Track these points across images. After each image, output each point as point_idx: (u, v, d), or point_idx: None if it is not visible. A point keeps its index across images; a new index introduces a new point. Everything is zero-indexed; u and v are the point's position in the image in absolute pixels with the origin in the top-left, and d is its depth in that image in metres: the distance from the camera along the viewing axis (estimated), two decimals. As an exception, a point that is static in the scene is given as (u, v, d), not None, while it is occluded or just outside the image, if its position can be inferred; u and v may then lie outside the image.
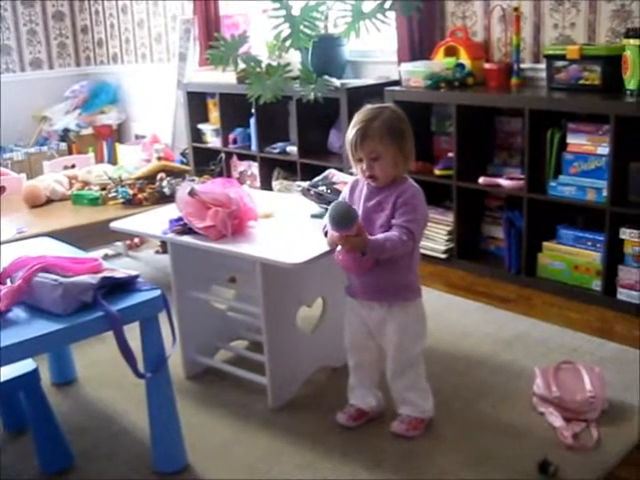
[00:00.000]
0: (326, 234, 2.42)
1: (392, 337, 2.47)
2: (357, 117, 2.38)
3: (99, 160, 6.32)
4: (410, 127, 2.41)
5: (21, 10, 6.94)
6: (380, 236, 2.31)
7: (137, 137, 6.76)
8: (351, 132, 2.36)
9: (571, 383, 2.66)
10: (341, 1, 4.23)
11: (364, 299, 2.49)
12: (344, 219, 2.24)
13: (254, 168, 5.26)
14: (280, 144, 5.06)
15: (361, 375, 2.61)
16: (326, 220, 2.31)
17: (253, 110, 5.01)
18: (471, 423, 2.59)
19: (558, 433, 2.46)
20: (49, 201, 3.99)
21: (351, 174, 2.64)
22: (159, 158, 4.38)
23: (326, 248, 2.48)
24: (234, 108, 5.30)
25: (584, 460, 2.33)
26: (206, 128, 5.64)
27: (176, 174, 4.07)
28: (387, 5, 4.10)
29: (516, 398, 2.73)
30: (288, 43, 4.26)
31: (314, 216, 2.90)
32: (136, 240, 4.72)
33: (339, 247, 2.33)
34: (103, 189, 3.97)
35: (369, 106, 2.42)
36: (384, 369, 2.57)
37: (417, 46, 4.39)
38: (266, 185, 5.13)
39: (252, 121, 5.14)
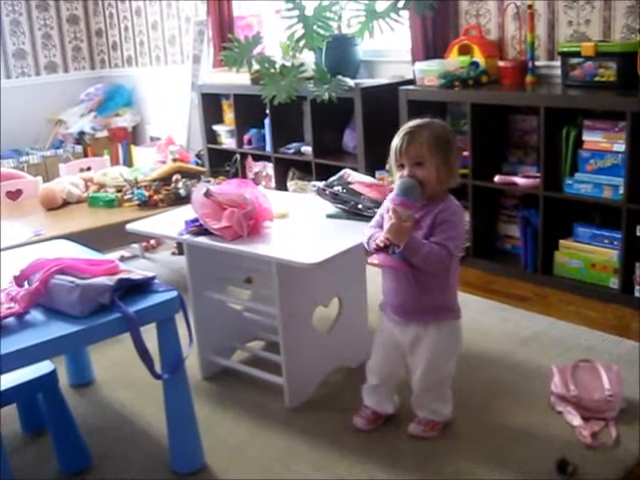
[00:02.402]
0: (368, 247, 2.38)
1: (424, 355, 2.43)
2: (404, 126, 2.34)
3: (114, 162, 6.34)
4: (457, 144, 2.39)
5: (36, 14, 6.99)
6: (422, 240, 2.26)
7: (152, 139, 6.78)
8: (397, 138, 2.31)
9: (589, 382, 2.65)
10: (354, 1, 4.22)
11: (399, 318, 2.43)
12: (412, 190, 2.22)
13: (269, 169, 5.27)
14: (295, 144, 5.06)
15: (380, 389, 2.58)
16: (395, 192, 2.26)
17: (267, 111, 5.02)
18: (488, 422, 2.58)
19: (576, 432, 2.45)
20: (65, 204, 4.01)
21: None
22: (174, 160, 4.39)
23: (342, 248, 2.49)
24: (248, 109, 5.30)
25: (603, 459, 2.32)
26: (221, 129, 5.65)
27: (191, 175, 4.09)
28: (401, 4, 4.09)
29: (533, 397, 2.71)
30: (302, 43, 4.26)
31: (330, 216, 2.90)
32: (152, 242, 4.73)
33: (378, 236, 2.30)
34: (119, 191, 3.99)
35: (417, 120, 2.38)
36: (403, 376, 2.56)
37: (431, 45, 4.38)
38: (281, 185, 5.14)
39: (267, 122, 5.15)
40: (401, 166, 2.31)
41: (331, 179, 3.02)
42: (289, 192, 4.85)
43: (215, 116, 5.69)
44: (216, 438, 2.57)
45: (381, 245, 2.27)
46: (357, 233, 2.51)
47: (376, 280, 2.53)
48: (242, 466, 2.44)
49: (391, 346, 2.50)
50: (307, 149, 4.91)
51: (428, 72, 4.17)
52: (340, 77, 4.43)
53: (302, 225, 2.86)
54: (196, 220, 2.75)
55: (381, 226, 2.39)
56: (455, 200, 2.37)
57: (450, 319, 2.44)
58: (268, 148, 5.22)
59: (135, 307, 2.15)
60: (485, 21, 4.27)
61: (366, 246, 2.40)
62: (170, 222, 2.97)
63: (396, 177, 2.34)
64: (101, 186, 4.12)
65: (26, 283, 2.24)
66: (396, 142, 2.31)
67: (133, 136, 7.13)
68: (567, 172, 3.63)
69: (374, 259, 2.31)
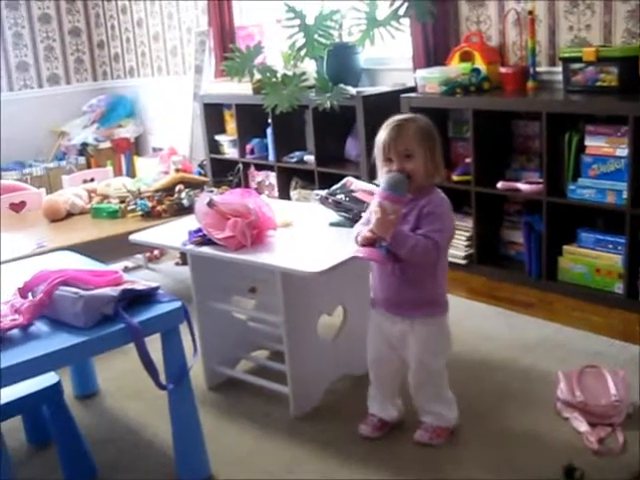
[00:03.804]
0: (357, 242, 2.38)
1: (413, 350, 2.44)
2: (389, 120, 2.35)
3: (117, 173, 6.35)
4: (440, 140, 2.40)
5: (38, 27, 7.01)
6: (408, 232, 2.27)
7: (155, 150, 6.80)
8: (384, 132, 2.32)
9: (595, 387, 2.64)
10: (355, 9, 4.23)
11: (387, 312, 2.45)
12: (400, 185, 2.23)
13: (272, 178, 5.27)
14: (297, 153, 5.06)
15: (382, 387, 2.59)
16: (382, 186, 2.25)
17: (270, 120, 5.02)
18: (494, 429, 2.57)
19: (583, 438, 2.44)
20: (69, 215, 4.01)
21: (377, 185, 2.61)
22: (177, 170, 4.40)
23: (346, 256, 2.48)
24: (251, 118, 5.31)
25: (610, 465, 2.31)
26: (223, 139, 5.66)
27: (194, 185, 4.09)
28: (401, 12, 4.10)
29: (540, 403, 2.70)
30: (303, 52, 4.27)
31: (333, 224, 2.90)
32: (156, 252, 4.73)
33: (364, 232, 2.30)
34: (122, 202, 3.99)
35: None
36: (405, 378, 2.56)
37: (432, 52, 4.38)
38: (284, 195, 5.14)
39: (269, 131, 5.15)
40: (388, 160, 2.32)
41: (334, 187, 3.02)
42: (292, 201, 4.85)
43: (217, 126, 5.70)
44: (222, 448, 2.56)
45: (367, 238, 2.29)
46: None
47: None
48: (248, 475, 2.43)
49: (381, 340, 2.51)
50: (310, 158, 4.91)
51: (430, 79, 4.17)
52: (342, 85, 4.44)
53: (305, 234, 2.86)
54: (199, 230, 2.76)
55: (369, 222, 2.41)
56: (441, 193, 2.39)
57: (438, 314, 2.45)
58: (271, 157, 5.23)
59: (139, 318, 2.15)
60: (486, 27, 4.28)
61: (355, 242, 2.41)
62: (173, 232, 2.97)
63: (382, 171, 2.34)
64: (104, 197, 4.13)
65: (30, 295, 2.24)
66: (383, 136, 2.32)
67: (136, 147, 7.15)
68: (570, 177, 3.63)
69: (359, 252, 2.32)
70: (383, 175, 2.33)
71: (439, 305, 2.45)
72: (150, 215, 3.84)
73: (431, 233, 2.26)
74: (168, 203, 3.89)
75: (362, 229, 2.36)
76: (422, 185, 2.33)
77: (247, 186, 5.38)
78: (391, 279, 2.39)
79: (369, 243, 2.29)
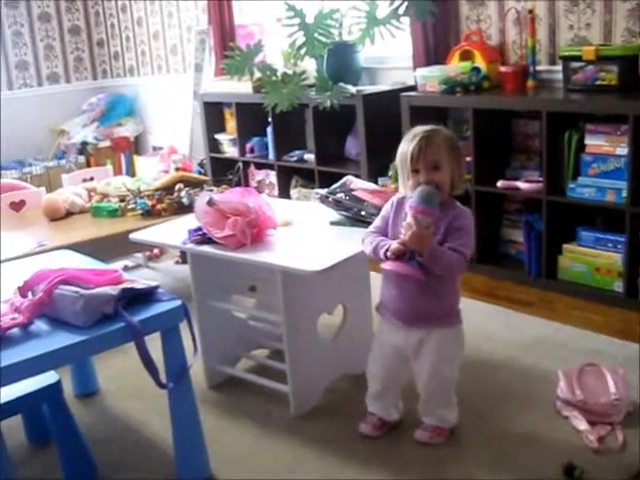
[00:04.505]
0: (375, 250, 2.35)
1: (428, 360, 2.42)
2: (414, 131, 2.32)
3: (117, 172, 6.36)
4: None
5: (38, 25, 7.00)
6: (443, 248, 2.25)
7: (155, 148, 6.79)
8: (411, 143, 2.28)
9: (595, 386, 2.64)
10: (355, 8, 4.23)
11: (401, 322, 2.41)
12: (433, 197, 2.21)
13: (272, 177, 5.27)
14: (297, 152, 5.06)
15: (386, 394, 2.57)
16: (415, 199, 2.21)
17: (270, 119, 5.02)
18: (494, 428, 2.57)
19: (583, 437, 2.44)
20: (68, 214, 4.01)
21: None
22: (177, 169, 4.40)
23: (346, 255, 2.49)
24: (251, 117, 5.31)
25: (610, 463, 2.31)
26: (223, 138, 5.66)
27: (194, 184, 4.09)
28: (401, 11, 4.10)
29: (539, 402, 2.71)
30: (303, 51, 4.26)
31: (333, 223, 2.90)
32: (156, 251, 4.73)
33: (392, 245, 2.26)
34: (122, 201, 3.99)
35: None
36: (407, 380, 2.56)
37: (432, 51, 4.38)
38: (284, 193, 5.14)
39: (269, 130, 5.15)
40: (415, 171, 2.28)
41: (334, 186, 3.02)
42: (292, 200, 4.85)
43: (217, 125, 5.70)
44: (222, 447, 2.57)
45: (397, 251, 2.25)
46: (361, 240, 2.50)
47: (380, 286, 2.53)
48: (248, 474, 2.43)
49: (392, 352, 2.48)
50: (310, 157, 4.91)
51: (430, 78, 4.17)
52: (342, 84, 4.44)
53: (306, 233, 2.86)
54: (199, 229, 2.76)
55: (383, 231, 2.39)
56: (463, 206, 2.38)
57: (454, 324, 2.44)
58: (271, 156, 5.22)
59: (139, 316, 2.15)
60: (486, 26, 4.28)
61: (370, 253, 2.38)
62: (173, 231, 2.97)
63: (408, 184, 2.31)
64: (104, 196, 4.13)
65: (30, 294, 2.24)
66: (410, 147, 2.28)
67: (135, 146, 7.14)
68: (570, 176, 3.63)
69: (388, 265, 2.29)
70: (409, 187, 2.31)
71: (456, 315, 2.45)
72: (150, 214, 3.84)
73: (460, 247, 2.26)
74: (168, 202, 3.89)
75: (387, 242, 2.32)
76: (447, 196, 2.32)
77: (247, 185, 5.38)
78: (413, 292, 2.35)
79: (398, 257, 2.26)
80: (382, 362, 2.52)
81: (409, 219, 2.22)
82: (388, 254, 2.28)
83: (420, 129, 2.33)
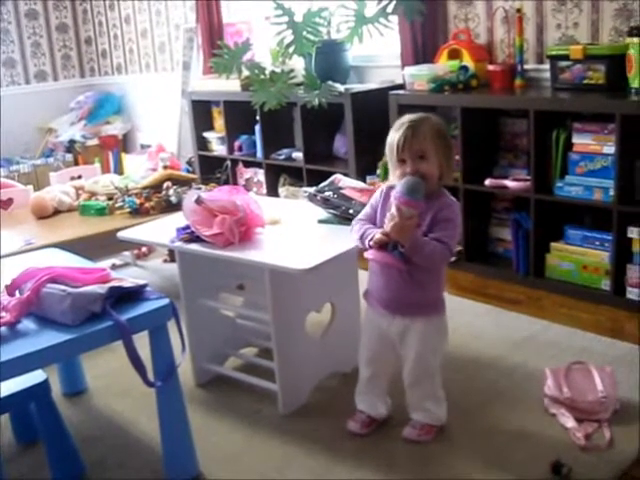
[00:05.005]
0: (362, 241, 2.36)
1: (412, 347, 2.43)
2: (402, 120, 2.31)
3: (105, 170, 6.32)
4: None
5: (25, 23, 6.97)
6: (425, 238, 2.25)
7: (143, 147, 6.77)
8: (397, 132, 2.27)
9: (582, 383, 2.66)
10: (343, 7, 4.23)
11: (386, 311, 2.43)
12: (418, 189, 2.20)
13: (260, 175, 5.27)
14: (285, 150, 5.06)
15: (374, 385, 2.58)
16: (399, 190, 2.21)
17: (258, 117, 5.02)
18: (483, 426, 2.58)
19: (570, 434, 2.45)
20: (56, 212, 3.99)
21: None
22: (165, 167, 4.38)
23: (334, 253, 2.49)
24: (239, 116, 5.30)
25: (597, 460, 2.32)
26: (211, 136, 5.65)
27: (182, 183, 4.08)
28: (390, 9, 4.09)
29: (527, 400, 2.72)
30: (291, 49, 4.26)
31: (321, 221, 2.90)
32: (144, 249, 4.72)
33: (376, 234, 2.27)
34: (110, 199, 3.98)
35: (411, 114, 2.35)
36: (395, 376, 2.56)
37: (420, 49, 4.39)
38: (272, 192, 5.13)
39: (257, 128, 5.15)
40: (402, 161, 2.28)
41: (322, 184, 3.02)
42: (280, 198, 4.85)
43: (205, 123, 5.68)
44: (210, 445, 2.56)
45: (380, 241, 2.26)
46: (349, 238, 2.50)
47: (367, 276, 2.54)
48: (237, 473, 2.43)
49: (378, 337, 2.50)
50: (298, 155, 4.90)
51: (418, 77, 4.18)
52: (330, 83, 4.43)
53: (294, 231, 2.86)
54: (187, 227, 2.75)
55: (372, 219, 2.39)
56: (451, 195, 2.37)
57: (438, 313, 2.45)
58: (259, 154, 5.22)
59: (127, 315, 2.15)
60: (474, 25, 4.28)
61: (357, 241, 2.39)
62: (161, 229, 2.96)
63: (395, 173, 2.31)
64: (92, 194, 4.11)
65: (17, 292, 2.23)
66: (396, 136, 2.27)
67: (123, 144, 7.12)
68: (557, 175, 3.65)
69: (373, 256, 2.30)
70: (396, 177, 2.30)
71: (439, 305, 2.45)
72: (138, 212, 3.83)
73: (444, 238, 2.25)
74: (156, 200, 3.88)
75: (368, 229, 2.34)
76: (434, 187, 2.31)
77: (235, 183, 5.37)
78: (397, 281, 2.36)
79: (381, 246, 2.27)
80: (369, 346, 2.53)
81: (393, 210, 2.23)
82: (371, 243, 2.29)
83: (407, 118, 2.31)
